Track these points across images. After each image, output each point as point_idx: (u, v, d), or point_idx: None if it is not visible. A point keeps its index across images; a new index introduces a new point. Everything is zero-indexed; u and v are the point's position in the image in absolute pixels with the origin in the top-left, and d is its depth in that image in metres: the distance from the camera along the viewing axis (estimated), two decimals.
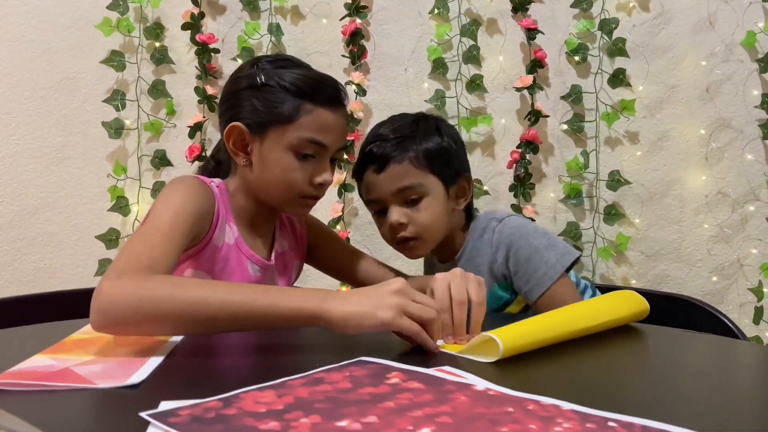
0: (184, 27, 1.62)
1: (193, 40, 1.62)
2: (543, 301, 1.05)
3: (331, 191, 1.62)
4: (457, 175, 1.11)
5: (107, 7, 1.62)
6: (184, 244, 0.86)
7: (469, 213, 1.16)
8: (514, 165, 1.64)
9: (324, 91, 0.97)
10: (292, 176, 0.97)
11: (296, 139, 0.95)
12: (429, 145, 1.08)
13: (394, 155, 1.06)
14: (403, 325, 0.70)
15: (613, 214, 1.65)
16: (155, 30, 1.65)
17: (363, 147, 1.12)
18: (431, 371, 0.62)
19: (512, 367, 0.68)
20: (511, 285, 1.10)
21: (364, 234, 1.67)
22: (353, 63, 1.63)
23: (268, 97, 0.96)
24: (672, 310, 1.18)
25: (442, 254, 1.17)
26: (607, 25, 1.61)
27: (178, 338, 0.76)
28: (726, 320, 1.20)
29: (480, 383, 0.59)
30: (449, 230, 1.13)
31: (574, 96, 1.65)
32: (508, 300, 1.12)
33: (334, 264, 1.18)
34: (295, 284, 1.16)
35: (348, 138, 1.58)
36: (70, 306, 1.06)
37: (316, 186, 0.99)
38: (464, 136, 1.64)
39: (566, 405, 0.53)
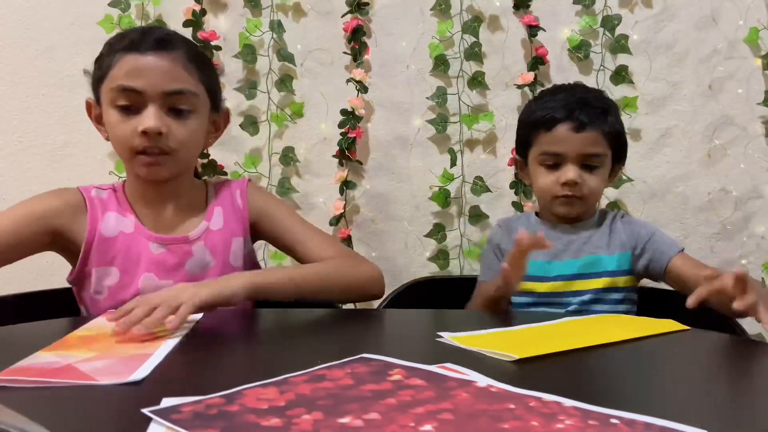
0: (186, 24, 1.62)
1: (194, 37, 1.62)
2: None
3: (333, 189, 1.62)
4: (621, 158, 1.25)
5: (109, 5, 1.61)
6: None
7: None
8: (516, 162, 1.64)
9: (129, 38, 0.97)
10: (118, 132, 0.97)
11: (110, 91, 0.96)
12: (618, 125, 1.23)
13: (594, 122, 1.18)
14: None
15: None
16: None
17: (557, 101, 1.20)
18: (433, 368, 0.62)
19: (514, 364, 0.68)
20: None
21: (365, 231, 1.67)
22: (355, 60, 1.63)
23: (97, 64, 0.99)
24: (674, 307, 1.17)
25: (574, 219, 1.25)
26: (610, 22, 1.61)
27: (180, 335, 0.77)
28: (728, 317, 1.20)
29: (482, 380, 0.59)
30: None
31: None
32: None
33: (282, 239, 1.11)
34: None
35: (350, 136, 1.59)
36: (73, 303, 1.06)
37: (140, 135, 0.94)
38: (465, 133, 1.64)
39: (568, 402, 0.53)
